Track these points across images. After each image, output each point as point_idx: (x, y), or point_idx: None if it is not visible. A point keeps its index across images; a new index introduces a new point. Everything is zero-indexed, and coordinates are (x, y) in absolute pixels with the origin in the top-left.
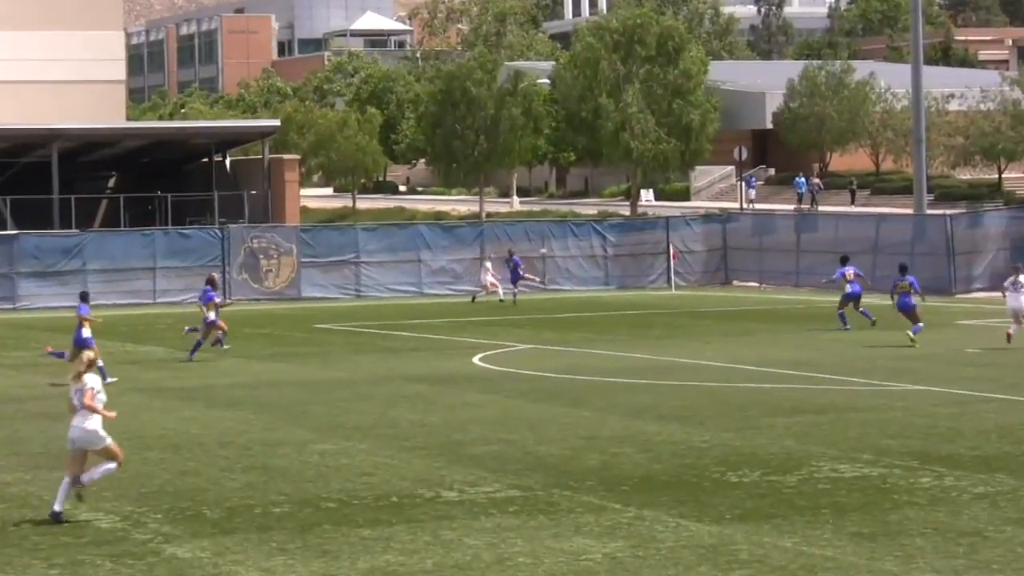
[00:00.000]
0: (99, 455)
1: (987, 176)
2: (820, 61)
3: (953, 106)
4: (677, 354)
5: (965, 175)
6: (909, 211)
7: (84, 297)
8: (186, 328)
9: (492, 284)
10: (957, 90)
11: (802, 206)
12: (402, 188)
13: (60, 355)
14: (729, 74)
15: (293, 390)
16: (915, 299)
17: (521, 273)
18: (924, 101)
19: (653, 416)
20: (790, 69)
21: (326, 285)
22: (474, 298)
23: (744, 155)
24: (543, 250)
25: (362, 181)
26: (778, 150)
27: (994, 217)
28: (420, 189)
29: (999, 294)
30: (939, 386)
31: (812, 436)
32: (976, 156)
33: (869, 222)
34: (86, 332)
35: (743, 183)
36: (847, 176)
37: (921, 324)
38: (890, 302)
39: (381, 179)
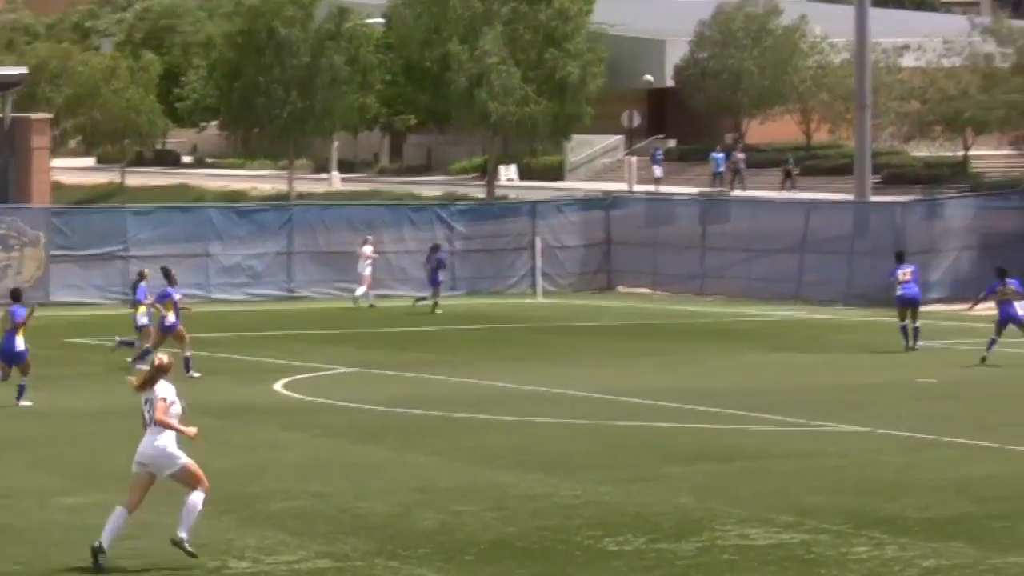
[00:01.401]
0: (178, 482)
1: (949, 153)
2: (737, 0)
3: (908, 61)
4: (543, 381)
5: (921, 151)
6: (848, 197)
7: (142, 276)
8: (117, 340)
9: (366, 278)
10: (913, 40)
11: (720, 188)
12: (187, 159)
13: (130, 343)
14: (619, 15)
15: (35, 425)
16: (1021, 308)
17: (440, 278)
18: (870, 54)
19: (508, 463)
20: (698, 10)
21: (84, 286)
22: (368, 303)
23: (636, 121)
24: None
25: (136, 149)
26: (681, 116)
27: (957, 206)
28: (210, 161)
29: (966, 306)
30: (883, 426)
31: (716, 491)
32: (936, 127)
33: (796, 211)
34: (142, 319)
35: (649, 158)
36: (769, 150)
37: None
38: (975, 311)
39: (160, 147)
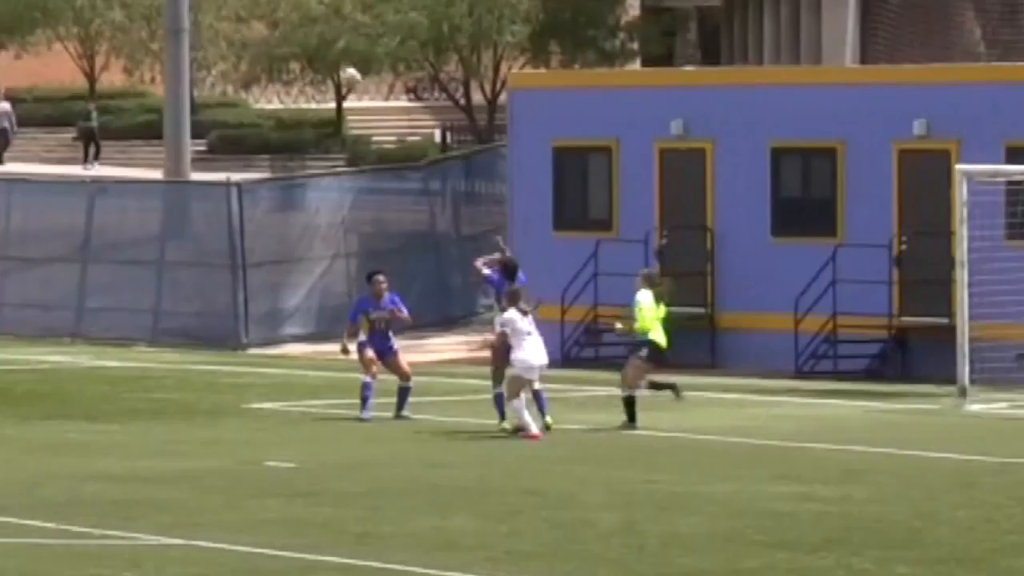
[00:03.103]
0: None
1: (315, 105)
2: None
3: None
4: None
5: (271, 102)
6: (157, 175)
7: None
8: None
9: None
10: None
11: None
12: None
13: None
14: None
15: None
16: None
17: None
18: None
19: None
20: None
21: None
22: None
23: None
24: None
25: None
26: None
27: (328, 189)
28: None
29: (338, 347)
30: (205, 537)
31: None
32: (293, 65)
33: (73, 196)
34: None
35: None
36: (30, 99)
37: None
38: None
39: None
